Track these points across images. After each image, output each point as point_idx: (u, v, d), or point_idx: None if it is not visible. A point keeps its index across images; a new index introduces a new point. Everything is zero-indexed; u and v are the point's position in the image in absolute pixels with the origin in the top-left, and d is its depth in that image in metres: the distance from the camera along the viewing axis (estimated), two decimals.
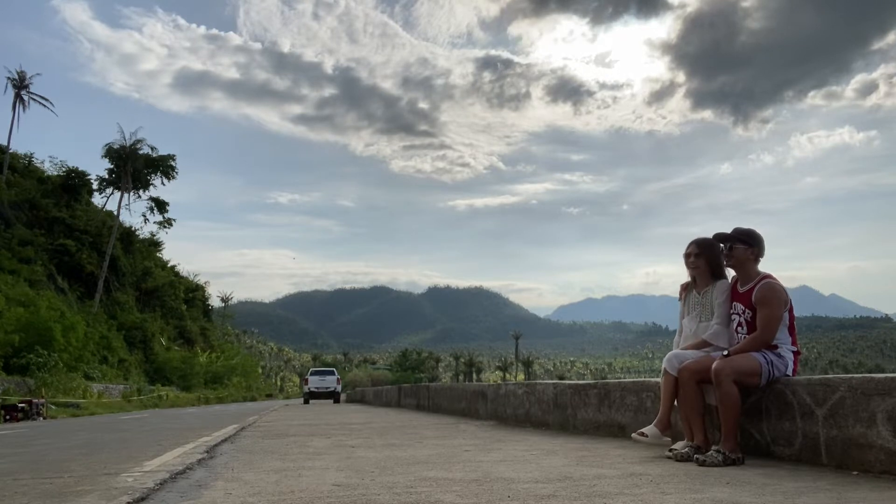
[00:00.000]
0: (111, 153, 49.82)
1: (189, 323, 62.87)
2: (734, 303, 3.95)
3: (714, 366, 3.61)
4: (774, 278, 3.84)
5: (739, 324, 3.90)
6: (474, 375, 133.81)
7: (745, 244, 3.88)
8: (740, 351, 3.71)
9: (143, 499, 2.95)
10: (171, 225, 57.33)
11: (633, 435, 4.15)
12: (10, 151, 48.75)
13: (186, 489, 3.23)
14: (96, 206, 54.51)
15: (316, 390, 29.19)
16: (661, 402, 4.14)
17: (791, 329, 3.82)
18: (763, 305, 3.73)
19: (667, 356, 4.13)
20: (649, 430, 4.07)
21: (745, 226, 4.02)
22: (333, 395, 29.26)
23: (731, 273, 4.13)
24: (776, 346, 3.73)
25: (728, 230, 4.06)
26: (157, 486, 3.32)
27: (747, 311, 3.83)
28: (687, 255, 4.19)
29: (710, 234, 4.21)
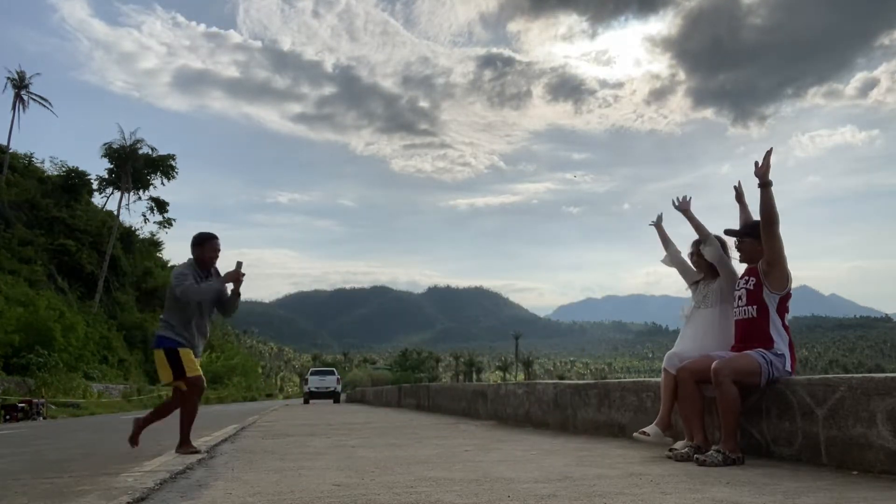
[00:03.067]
0: (111, 153, 49.78)
1: None
2: (740, 279, 3.97)
3: (713, 366, 3.61)
4: None
5: (740, 297, 3.90)
6: (474, 375, 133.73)
7: (752, 237, 3.90)
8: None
9: (143, 499, 2.95)
10: (171, 225, 57.31)
11: (635, 434, 4.16)
12: (10, 151, 48.73)
13: (186, 489, 3.23)
14: (96, 206, 54.47)
15: (316, 390, 29.17)
16: (661, 401, 4.15)
17: (786, 326, 3.81)
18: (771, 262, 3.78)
19: (667, 354, 4.14)
20: (651, 429, 4.07)
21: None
22: (333, 395, 29.22)
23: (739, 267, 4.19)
24: (773, 345, 3.73)
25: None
26: (158, 485, 3.32)
27: (751, 279, 3.84)
28: (690, 255, 4.40)
29: (711, 233, 4.31)
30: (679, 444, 3.91)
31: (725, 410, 3.56)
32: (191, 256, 5.07)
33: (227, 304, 5.15)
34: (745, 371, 3.61)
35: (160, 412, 5.25)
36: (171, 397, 5.16)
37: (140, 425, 5.26)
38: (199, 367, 4.96)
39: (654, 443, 4.07)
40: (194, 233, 5.12)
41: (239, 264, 5.03)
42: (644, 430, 4.10)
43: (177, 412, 5.13)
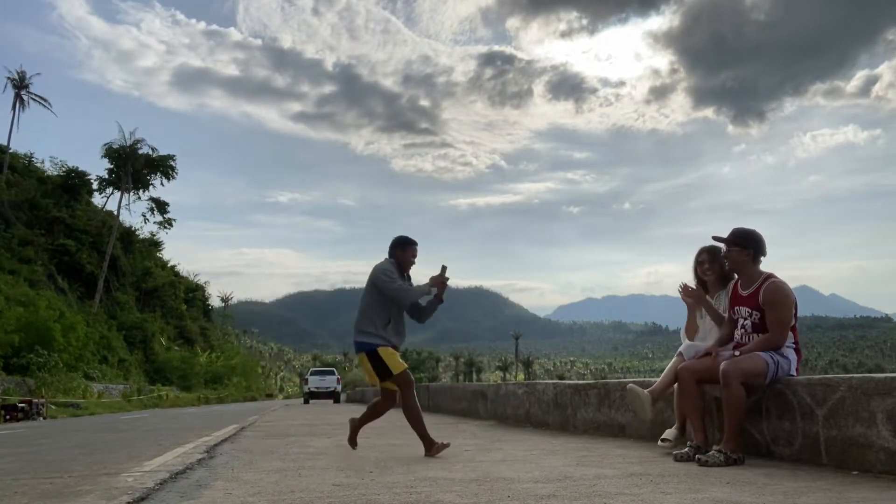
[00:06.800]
0: (111, 153, 49.77)
1: (189, 323, 62.85)
2: (738, 307, 3.91)
3: (722, 367, 3.59)
4: (778, 278, 3.82)
5: (744, 327, 3.86)
6: (474, 375, 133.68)
7: (740, 246, 3.85)
8: (750, 351, 3.69)
9: (143, 499, 2.96)
10: (171, 225, 57.32)
11: (659, 443, 4.09)
12: (10, 151, 48.73)
13: (186, 489, 3.23)
14: (96, 206, 54.46)
15: (316, 390, 29.17)
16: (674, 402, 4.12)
17: (793, 328, 3.81)
18: (773, 307, 3.71)
19: (685, 345, 4.11)
20: (670, 433, 4.03)
21: (746, 225, 4.00)
22: (333, 395, 29.23)
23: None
24: (779, 346, 3.72)
25: (728, 230, 4.06)
26: (157, 485, 3.32)
27: (755, 312, 3.80)
28: (700, 263, 4.31)
29: (711, 234, 4.26)
30: (669, 433, 3.92)
31: (732, 411, 3.56)
32: (389, 258, 4.83)
33: (426, 310, 4.92)
34: (753, 372, 3.60)
35: (375, 412, 5.02)
36: (381, 398, 4.92)
37: (356, 426, 5.08)
38: (403, 362, 4.69)
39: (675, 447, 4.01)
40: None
41: (444, 268, 4.78)
42: (665, 437, 4.05)
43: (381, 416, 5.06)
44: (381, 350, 4.59)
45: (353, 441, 5.08)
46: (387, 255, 4.85)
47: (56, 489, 3.37)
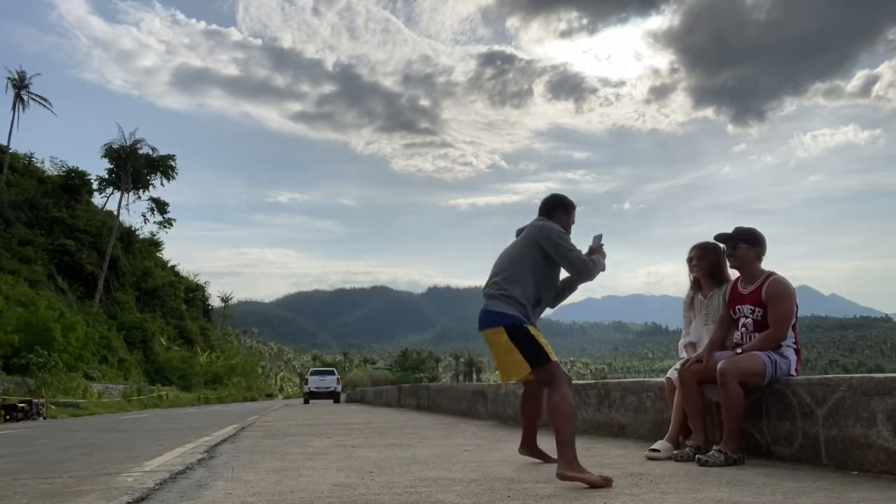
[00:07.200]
0: (111, 153, 49.80)
1: (189, 323, 62.85)
2: (739, 305, 3.90)
3: (720, 367, 3.59)
4: (779, 275, 3.82)
5: (745, 325, 3.86)
6: (474, 375, 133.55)
7: (748, 243, 3.85)
8: (753, 348, 3.69)
9: (143, 499, 2.95)
10: (171, 225, 57.36)
11: (648, 453, 4.06)
12: (10, 151, 48.73)
13: (186, 489, 3.23)
14: (96, 206, 54.47)
15: (316, 390, 29.20)
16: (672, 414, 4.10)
17: (794, 327, 3.81)
18: (775, 302, 3.71)
19: (677, 370, 4.06)
20: (662, 445, 4.00)
21: (747, 225, 3.99)
22: (333, 395, 29.25)
23: (734, 274, 4.12)
24: (779, 346, 3.72)
25: (728, 230, 4.05)
26: (157, 485, 3.32)
27: (757, 309, 3.79)
28: (689, 260, 4.30)
29: (711, 234, 4.24)
30: (660, 445, 3.91)
31: (730, 411, 3.55)
32: (546, 220, 3.67)
33: (565, 291, 3.83)
34: (750, 372, 3.59)
35: (531, 417, 3.83)
36: (525, 397, 3.78)
37: (531, 443, 3.97)
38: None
39: (665, 458, 3.98)
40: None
41: (598, 237, 3.83)
42: (655, 447, 4.01)
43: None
44: (531, 328, 3.35)
45: (541, 454, 3.94)
46: (540, 217, 3.75)
47: (56, 489, 3.37)
